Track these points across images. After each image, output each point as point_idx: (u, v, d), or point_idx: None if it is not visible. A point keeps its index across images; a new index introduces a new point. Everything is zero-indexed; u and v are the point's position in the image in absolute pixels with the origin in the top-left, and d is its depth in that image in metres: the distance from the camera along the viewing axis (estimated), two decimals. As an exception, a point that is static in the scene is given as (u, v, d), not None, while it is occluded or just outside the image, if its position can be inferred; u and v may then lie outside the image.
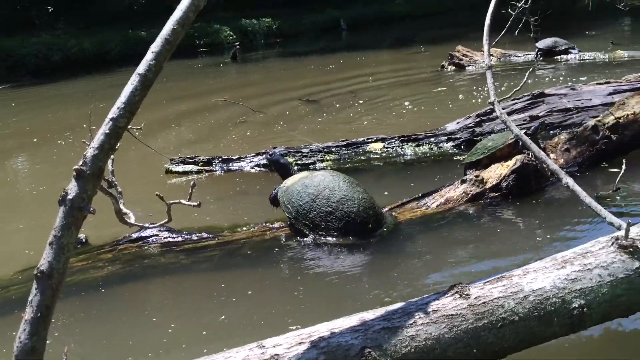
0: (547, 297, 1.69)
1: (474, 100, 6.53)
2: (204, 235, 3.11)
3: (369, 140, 4.64)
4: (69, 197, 1.47)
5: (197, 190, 3.92)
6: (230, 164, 4.56)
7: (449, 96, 6.97)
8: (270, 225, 3.14)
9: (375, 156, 4.47)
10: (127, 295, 2.68)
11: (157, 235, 3.11)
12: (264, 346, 1.59)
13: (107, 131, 1.53)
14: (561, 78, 7.23)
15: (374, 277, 2.57)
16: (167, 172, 4.58)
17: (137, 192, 4.25)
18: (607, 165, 3.58)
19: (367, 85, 8.39)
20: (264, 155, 4.25)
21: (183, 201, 1.78)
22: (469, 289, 1.72)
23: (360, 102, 7.15)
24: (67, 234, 1.46)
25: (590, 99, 4.70)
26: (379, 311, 1.69)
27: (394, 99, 7.02)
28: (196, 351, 1.88)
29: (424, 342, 1.60)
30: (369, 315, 1.68)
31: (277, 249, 2.92)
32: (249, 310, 2.37)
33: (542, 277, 1.74)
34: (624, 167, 3.12)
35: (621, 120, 3.71)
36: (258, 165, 4.47)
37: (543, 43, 9.07)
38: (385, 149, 4.54)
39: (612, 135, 3.62)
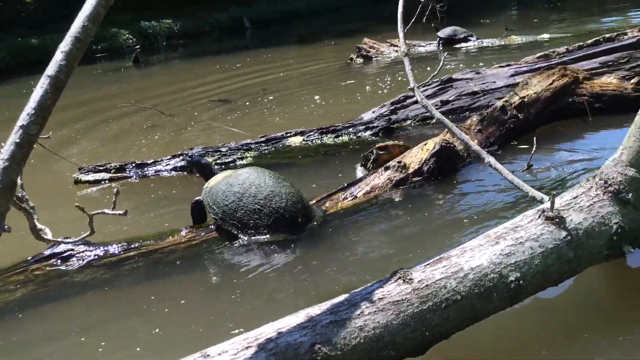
0: (485, 273, 1.73)
1: (380, 91, 6.66)
2: (125, 246, 2.95)
3: (288, 135, 4.60)
4: (-20, 215, 1.33)
5: (112, 199, 3.75)
6: (145, 168, 4.37)
7: (358, 88, 7.07)
8: (196, 231, 3.03)
9: (295, 150, 4.44)
10: (47, 317, 2.48)
11: (72, 250, 2.92)
12: (208, 355, 1.51)
13: (18, 140, 1.39)
14: (462, 65, 7.51)
15: (310, 272, 2.53)
16: (76, 182, 4.32)
17: (46, 206, 4.00)
18: (516, 143, 3.74)
19: (276, 82, 8.36)
20: (182, 157, 4.10)
21: (107, 210, 1.66)
22: (411, 274, 1.72)
23: (271, 98, 7.11)
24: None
25: (495, 82, 4.91)
26: (325, 305, 1.66)
27: (304, 94, 7.03)
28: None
29: (372, 332, 1.59)
30: (315, 310, 1.64)
31: (206, 254, 2.82)
32: (185, 320, 2.27)
33: (479, 254, 1.77)
34: (535, 144, 3.28)
35: (526, 100, 3.90)
36: (175, 169, 4.31)
37: (443, 32, 9.42)
38: (305, 142, 4.52)
39: (519, 114, 3.79)
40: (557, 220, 1.84)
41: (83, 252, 2.90)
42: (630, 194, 1.90)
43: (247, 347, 1.53)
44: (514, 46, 8.71)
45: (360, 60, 9.19)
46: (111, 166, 4.37)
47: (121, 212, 1.64)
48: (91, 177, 4.31)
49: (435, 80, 5.07)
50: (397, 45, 9.62)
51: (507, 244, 1.80)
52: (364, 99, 6.27)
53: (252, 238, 2.84)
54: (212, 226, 3.00)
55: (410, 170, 3.24)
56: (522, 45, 8.71)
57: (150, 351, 2.08)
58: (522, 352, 1.83)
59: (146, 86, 9.88)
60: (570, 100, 4.07)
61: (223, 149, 4.39)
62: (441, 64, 3.13)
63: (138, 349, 2.11)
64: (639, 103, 4.04)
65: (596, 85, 4.17)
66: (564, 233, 1.83)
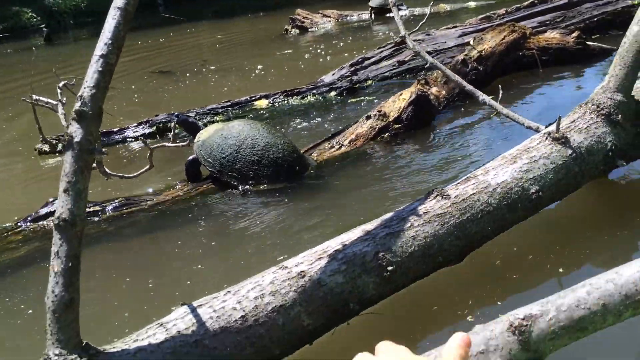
0: (510, 187, 1.94)
1: (321, 59, 6.79)
2: (124, 201, 2.95)
3: (253, 99, 4.66)
4: (76, 140, 1.38)
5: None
6: (112, 136, 4.31)
7: (297, 57, 7.15)
8: (191, 185, 3.07)
9: (262, 113, 4.51)
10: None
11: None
12: (286, 267, 1.63)
13: (100, 68, 1.44)
14: (394, 33, 7.76)
15: (318, 212, 2.65)
16: (41, 153, 4.20)
17: (17, 178, 3.88)
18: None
19: (211, 53, 8.29)
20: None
21: (167, 144, 1.71)
22: (446, 191, 1.90)
23: (212, 68, 7.08)
24: (82, 179, 1.37)
25: (445, 42, 5.17)
26: (376, 222, 1.81)
27: (245, 64, 7.03)
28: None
29: (424, 240, 1.76)
30: (369, 226, 1.79)
31: (211, 203, 2.88)
32: (218, 258, 2.35)
33: (501, 172, 1.97)
34: (500, 92, 3.55)
35: (483, 53, 4.17)
36: (143, 135, 4.28)
37: (374, 2, 9.63)
38: (271, 104, 4.60)
39: (479, 67, 4.06)
40: (563, 140, 2.07)
41: (81, 211, 2.88)
42: (619, 116, 2.16)
43: (319, 258, 1.65)
44: (444, 14, 9.08)
45: (295, 31, 9.25)
46: (40, 139, 4.26)
47: (184, 143, 1.70)
48: (56, 147, 4.20)
49: (389, 42, 5.29)
50: (329, 16, 9.77)
51: (524, 162, 2.01)
52: (308, 67, 6.38)
53: (253, 188, 2.93)
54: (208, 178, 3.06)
55: (391, 119, 3.42)
56: (451, 12, 9.10)
57: (190, 289, 2.15)
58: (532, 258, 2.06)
59: (72, 62, 9.47)
60: (521, 54, 4.39)
61: (191, 114, 4.39)
62: (428, 12, 3.30)
63: (188, 282, 2.17)
64: (579, 55, 4.46)
65: (542, 40, 4.52)
66: (569, 151, 2.06)
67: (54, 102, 1.93)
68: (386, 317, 1.76)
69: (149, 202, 2.94)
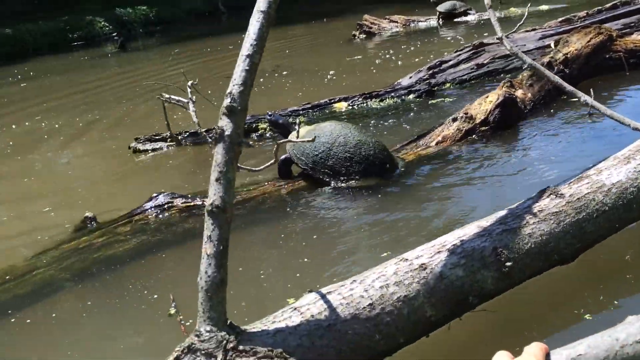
0: (625, 187, 1.93)
1: (392, 64, 6.79)
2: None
3: (332, 101, 4.75)
4: (227, 133, 1.47)
5: (180, 163, 3.86)
6: (197, 137, 4.48)
7: (368, 61, 7.17)
8: (283, 181, 3.17)
9: (342, 115, 4.59)
10: (186, 258, 2.60)
11: (170, 202, 3.04)
12: (407, 259, 1.68)
13: (247, 67, 1.54)
14: (463, 37, 7.71)
15: (410, 208, 2.70)
16: (135, 151, 4.42)
17: (113, 177, 4.08)
18: (565, 98, 3.96)
19: (281, 59, 8.40)
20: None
21: (293, 139, 1.79)
22: (560, 190, 1.91)
23: (285, 73, 7.20)
24: (232, 169, 1.47)
25: (525, 44, 5.12)
26: (491, 218, 1.84)
27: (316, 70, 7.10)
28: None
29: (540, 238, 1.77)
30: (484, 222, 1.82)
31: (305, 199, 2.97)
32: (323, 250, 2.43)
33: (615, 172, 1.97)
34: (592, 94, 3.50)
35: (569, 56, 4.12)
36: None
37: (443, 7, 9.57)
38: (350, 107, 4.67)
39: (565, 69, 4.00)
40: (676, 141, 2.04)
41: (182, 203, 3.03)
42: None
43: (438, 252, 1.69)
44: (514, 18, 8.95)
45: (362, 36, 9.29)
46: (166, 135, 4.47)
47: (310, 138, 1.78)
48: (149, 146, 4.40)
49: (466, 45, 5.28)
50: (396, 21, 9.77)
51: (638, 162, 1.99)
52: (379, 71, 6.40)
53: (344, 184, 3.00)
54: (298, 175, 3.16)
55: (477, 121, 3.42)
56: (521, 16, 8.95)
57: (310, 275, 2.23)
58: None
59: (149, 69, 9.84)
60: (607, 56, 4.30)
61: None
62: (525, 13, 3.30)
63: (297, 274, 2.26)
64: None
65: (629, 42, 4.41)
66: (682, 153, 2.03)
67: (185, 101, 2.06)
68: (498, 315, 1.77)
69: (242, 195, 3.06)
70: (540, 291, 1.88)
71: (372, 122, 4.25)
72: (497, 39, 2.89)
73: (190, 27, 14.97)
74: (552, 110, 3.75)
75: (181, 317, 1.86)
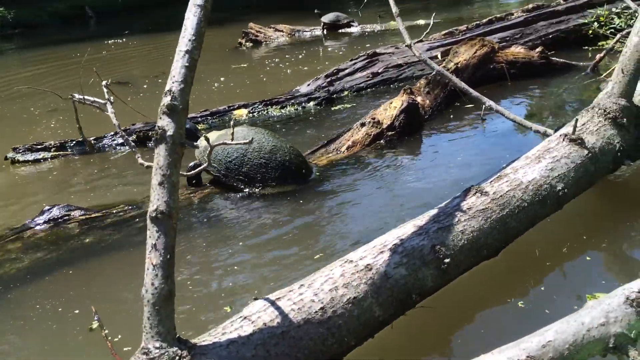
0: (540, 184, 2.05)
1: (282, 73, 6.80)
2: (125, 207, 2.88)
3: (231, 108, 4.66)
4: (169, 133, 1.38)
5: (68, 175, 3.58)
6: (83, 146, 4.19)
7: (257, 69, 7.13)
8: (193, 189, 3.05)
9: (243, 122, 4.51)
10: (93, 274, 2.39)
11: (67, 215, 2.80)
12: (351, 261, 1.66)
13: (187, 64, 1.46)
14: (347, 48, 7.93)
15: (329, 213, 2.70)
16: (13, 162, 4.03)
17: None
18: (459, 104, 4.18)
19: (167, 65, 8.12)
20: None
21: (227, 141, 1.71)
22: (484, 188, 1.99)
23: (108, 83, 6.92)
24: (175, 172, 1.38)
25: (414, 55, 5.34)
26: (424, 217, 1.88)
27: (204, 77, 6.93)
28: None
29: (471, 235, 1.84)
30: (419, 221, 1.85)
31: (218, 207, 2.86)
32: (252, 260, 2.35)
33: (530, 171, 2.09)
34: (485, 101, 3.73)
35: (459, 65, 4.36)
36: (120, 145, 4.18)
37: (327, 18, 9.78)
38: (250, 114, 4.60)
39: (457, 77, 4.23)
40: (579, 141, 2.22)
41: (81, 216, 2.80)
42: (624, 119, 2.34)
43: (381, 252, 1.70)
44: (394, 31, 9.35)
45: (249, 44, 9.24)
46: (50, 144, 4.13)
47: (246, 141, 1.71)
48: (31, 156, 4.04)
49: (361, 54, 5.42)
50: (281, 31, 9.84)
51: (548, 161, 2.14)
52: (270, 79, 6.38)
53: (259, 190, 2.94)
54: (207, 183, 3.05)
55: (384, 126, 3.51)
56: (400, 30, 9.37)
57: (240, 283, 2.14)
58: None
59: (14, 72, 9.08)
60: (491, 66, 4.61)
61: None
62: (431, 24, 3.43)
63: (228, 283, 2.15)
64: (544, 68, 4.73)
65: (509, 54, 4.76)
66: (585, 151, 2.21)
67: (102, 102, 1.91)
68: (438, 311, 1.81)
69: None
70: (471, 285, 1.94)
71: (276, 128, 4.21)
72: (406, 45, 3.00)
73: (56, 31, 14.02)
74: (451, 116, 3.95)
75: (106, 331, 1.71)
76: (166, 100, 1.40)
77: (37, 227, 2.73)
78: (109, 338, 1.83)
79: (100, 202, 3.12)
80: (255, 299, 1.54)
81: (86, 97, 1.83)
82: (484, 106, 3.75)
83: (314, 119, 4.41)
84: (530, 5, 6.32)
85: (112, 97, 1.82)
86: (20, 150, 4.09)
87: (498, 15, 6.23)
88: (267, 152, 2.97)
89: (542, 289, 1.93)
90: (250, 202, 2.88)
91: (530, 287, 1.95)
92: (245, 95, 5.30)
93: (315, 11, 10.40)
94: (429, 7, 12.48)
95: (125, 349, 1.84)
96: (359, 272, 1.62)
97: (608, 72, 4.47)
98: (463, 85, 2.88)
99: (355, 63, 5.23)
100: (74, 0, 16.16)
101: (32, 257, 2.55)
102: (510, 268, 2.04)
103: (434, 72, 3.20)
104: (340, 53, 7.66)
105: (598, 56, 4.77)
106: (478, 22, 6.15)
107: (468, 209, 1.90)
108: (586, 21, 5.74)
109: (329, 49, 8.41)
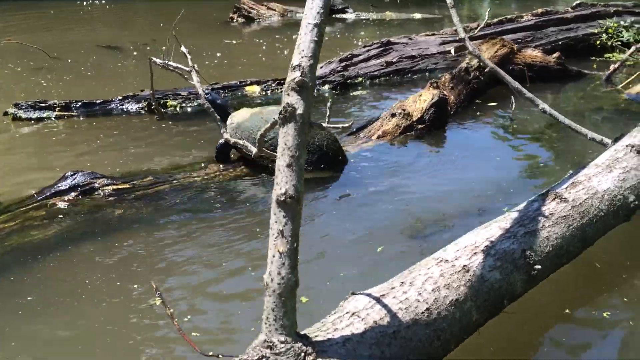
0: (614, 195, 2.02)
1: (278, 52, 6.62)
2: (151, 178, 2.73)
3: (244, 83, 4.50)
4: (298, 112, 1.27)
5: (77, 138, 3.39)
6: (93, 108, 3.98)
7: (252, 47, 6.93)
8: (223, 166, 2.91)
9: (257, 99, 4.37)
10: (120, 252, 2.24)
11: (92, 183, 2.63)
12: (447, 260, 1.59)
13: (316, 38, 1.35)
14: (345, 34, 7.82)
15: (374, 197, 2.63)
16: (15, 119, 3.79)
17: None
18: (480, 102, 4.14)
19: (160, 33, 7.77)
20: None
21: (323, 124, 1.59)
22: (562, 194, 1.94)
23: (164, 48, 6.69)
24: (304, 153, 1.26)
25: (428, 48, 5.29)
26: (507, 219, 1.82)
27: (197, 50, 6.66)
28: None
29: (555, 241, 1.79)
30: (503, 223, 1.79)
31: (254, 187, 2.74)
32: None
33: (603, 180, 2.06)
34: (513, 102, 3.72)
35: (481, 64, 4.31)
36: (128, 112, 3.99)
37: None
38: (264, 92, 4.46)
39: (480, 76, 4.19)
40: (646, 153, 2.20)
41: (107, 185, 2.63)
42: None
43: (474, 253, 1.63)
44: (392, 21, 9.26)
45: (241, 20, 9.00)
46: (55, 103, 3.90)
47: (346, 125, 1.61)
48: (35, 114, 3.80)
49: (375, 42, 5.33)
50: (274, 9, 9.62)
51: (619, 172, 2.11)
52: (269, 58, 6.20)
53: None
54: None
55: (414, 118, 3.44)
56: (397, 21, 9.28)
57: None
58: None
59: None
60: (510, 67, 4.58)
61: (183, 93, 4.16)
62: (485, 19, 3.35)
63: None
64: (559, 74, 4.74)
65: (527, 57, 4.75)
66: (652, 164, 2.19)
67: (187, 69, 1.77)
68: (519, 317, 1.76)
69: (181, 180, 2.75)
70: (551, 292, 1.89)
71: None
72: (459, 39, 2.91)
73: None
74: (477, 113, 3.91)
75: (171, 310, 1.61)
76: (295, 75, 1.29)
77: (61, 195, 2.56)
78: (175, 319, 1.72)
79: (119, 169, 2.96)
80: (353, 293, 1.45)
81: (169, 62, 1.69)
82: (513, 106, 3.76)
83: (335, 103, 4.30)
84: (539, 10, 6.33)
85: (195, 65, 1.69)
86: (23, 107, 3.85)
87: (508, 17, 6.21)
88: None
89: (625, 300, 1.90)
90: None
91: (613, 296, 1.93)
92: (246, 73, 5.12)
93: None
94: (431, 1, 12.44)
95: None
96: (457, 273, 1.55)
97: (625, 82, 4.52)
98: (517, 85, 2.83)
99: (369, 50, 5.12)
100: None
101: (56, 228, 2.38)
102: (588, 276, 2.01)
103: (487, 69, 3.11)
104: (333, 37, 7.52)
105: (612, 67, 4.81)
106: (489, 21, 6.12)
107: (550, 214, 1.85)
108: (595, 31, 5.79)
109: (486, 16, 8.17)
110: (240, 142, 2.06)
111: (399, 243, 2.25)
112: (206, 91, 3.21)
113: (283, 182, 1.23)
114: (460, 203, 2.57)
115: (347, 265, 2.10)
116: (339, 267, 2.08)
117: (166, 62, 1.71)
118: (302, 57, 1.31)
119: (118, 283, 2.02)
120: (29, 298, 1.96)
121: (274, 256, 1.20)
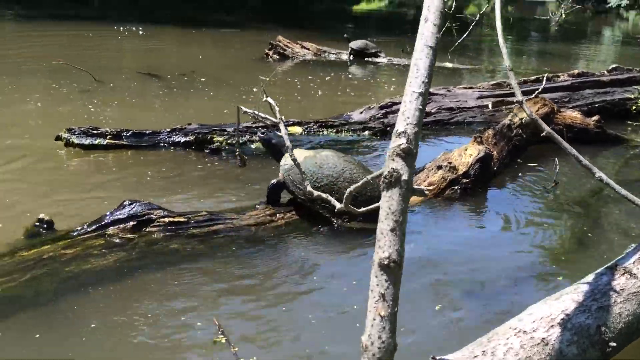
0: (680, 272, 2.01)
1: (312, 92, 6.69)
2: (207, 216, 2.75)
3: (286, 124, 4.55)
4: (403, 177, 1.29)
5: (127, 168, 3.43)
6: (142, 138, 4.04)
7: (289, 85, 6.99)
8: (274, 210, 2.94)
9: (297, 139, 4.42)
10: (175, 287, 2.25)
11: (149, 214, 2.65)
12: (525, 331, 1.58)
13: (420, 107, 1.39)
14: (377, 78, 7.94)
15: (438, 256, 2.65)
16: (67, 144, 3.84)
17: (38, 174, 3.50)
18: (521, 161, 4.16)
19: (198, 64, 7.91)
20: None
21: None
22: (631, 269, 1.94)
23: (203, 80, 6.78)
24: (405, 219, 1.28)
25: (466, 101, 5.35)
26: (579, 293, 1.81)
27: (233, 83, 6.74)
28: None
29: (626, 318, 1.78)
30: (577, 296, 1.79)
31: (303, 235, 2.76)
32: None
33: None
34: (557, 164, 3.73)
35: (523, 121, 4.35)
36: (175, 144, 4.04)
37: (355, 44, 9.73)
38: (305, 133, 4.51)
39: (522, 133, 4.22)
40: None
41: (164, 217, 2.66)
42: None
43: (551, 325, 1.62)
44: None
45: (276, 57, 9.15)
46: (106, 131, 3.96)
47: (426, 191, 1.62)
48: (87, 140, 3.86)
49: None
50: (308, 49, 9.77)
51: (684, 249, 2.10)
52: (305, 99, 6.25)
53: (345, 223, 2.85)
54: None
55: (460, 172, 3.46)
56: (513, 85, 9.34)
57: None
58: None
59: (33, 44, 8.78)
60: (550, 127, 4.60)
61: (229, 129, 4.22)
62: (544, 81, 3.40)
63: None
64: (597, 137, 4.76)
65: (567, 118, 4.78)
66: None
67: (275, 120, 1.81)
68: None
69: (234, 221, 2.77)
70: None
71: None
72: (517, 102, 2.93)
73: (56, 5, 13.46)
74: (519, 173, 3.92)
75: (236, 349, 1.61)
76: (401, 141, 1.32)
77: (119, 225, 2.58)
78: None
79: (171, 203, 2.98)
80: (434, 358, 1.45)
81: (258, 113, 1.73)
82: (556, 170, 3.77)
83: (376, 151, 4.35)
84: (576, 71, 6.40)
85: (283, 117, 1.73)
86: (76, 133, 3.90)
87: (546, 75, 6.28)
88: (359, 185, 2.87)
89: None
90: (336, 235, 2.78)
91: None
92: (282, 110, 5.18)
93: (345, 35, 10.38)
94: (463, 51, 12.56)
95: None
96: (537, 346, 1.54)
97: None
98: (574, 152, 2.83)
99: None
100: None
101: (115, 257, 2.40)
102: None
103: (543, 133, 3.13)
104: (366, 81, 7.61)
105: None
106: (525, 78, 6.19)
107: (621, 290, 1.84)
108: (631, 96, 5.83)
109: (353, 75, 8.33)
110: (323, 195, 2.07)
111: (457, 307, 2.25)
112: (262, 131, 3.25)
113: (386, 246, 1.24)
114: (509, 266, 2.58)
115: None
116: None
117: (255, 112, 1.77)
118: (407, 125, 1.34)
119: (182, 318, 2.03)
120: (92, 325, 1.96)
121: (374, 319, 1.20)
